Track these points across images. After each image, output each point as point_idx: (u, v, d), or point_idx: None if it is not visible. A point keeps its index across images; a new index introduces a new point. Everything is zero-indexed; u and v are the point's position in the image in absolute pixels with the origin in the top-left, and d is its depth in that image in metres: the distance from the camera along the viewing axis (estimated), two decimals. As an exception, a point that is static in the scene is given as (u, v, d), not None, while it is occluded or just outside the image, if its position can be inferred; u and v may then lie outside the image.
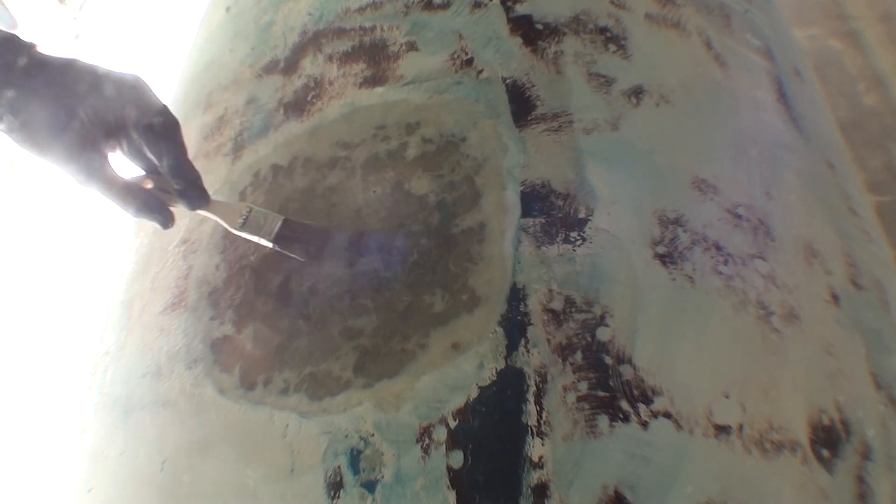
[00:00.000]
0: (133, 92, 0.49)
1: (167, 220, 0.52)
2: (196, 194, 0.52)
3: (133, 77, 0.50)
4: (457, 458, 0.41)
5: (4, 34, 0.47)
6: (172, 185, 0.51)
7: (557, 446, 0.40)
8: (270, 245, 0.52)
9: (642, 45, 0.61)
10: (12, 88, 0.45)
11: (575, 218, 0.49)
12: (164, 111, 0.50)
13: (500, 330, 0.45)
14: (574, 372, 0.43)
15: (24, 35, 0.48)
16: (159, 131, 0.49)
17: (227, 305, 0.54)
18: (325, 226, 0.54)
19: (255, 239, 0.52)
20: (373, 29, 0.65)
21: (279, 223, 0.52)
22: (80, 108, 0.47)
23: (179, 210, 0.53)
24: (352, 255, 0.52)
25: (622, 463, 0.40)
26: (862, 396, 0.49)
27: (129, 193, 0.50)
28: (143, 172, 0.53)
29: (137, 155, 0.52)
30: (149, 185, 0.53)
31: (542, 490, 0.39)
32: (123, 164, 0.52)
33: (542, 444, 0.41)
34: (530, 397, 0.42)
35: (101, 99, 0.48)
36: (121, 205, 0.50)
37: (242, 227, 0.52)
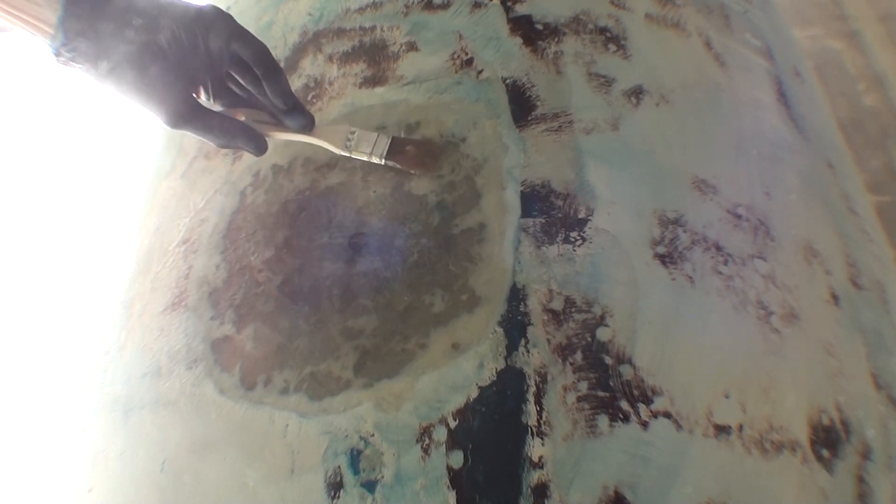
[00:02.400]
0: (223, 24, 0.49)
1: (263, 146, 0.53)
2: (304, 114, 0.53)
3: (216, 10, 0.49)
4: (457, 458, 0.41)
5: None
6: (281, 107, 0.52)
7: (557, 446, 0.40)
8: (382, 162, 0.53)
9: (642, 45, 0.61)
10: (102, 35, 0.45)
11: (575, 218, 0.49)
12: (259, 41, 0.50)
13: (500, 330, 0.45)
14: (574, 372, 0.43)
15: None
16: (263, 60, 0.50)
17: (227, 305, 0.54)
18: (429, 140, 0.55)
19: (365, 158, 0.53)
20: (373, 29, 0.65)
21: (388, 141, 0.53)
22: (167, 45, 0.46)
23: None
24: (352, 255, 0.52)
25: (622, 463, 0.40)
26: (862, 396, 0.49)
27: (225, 123, 0.50)
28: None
29: (227, 90, 0.53)
30: (241, 116, 0.53)
31: (542, 490, 0.39)
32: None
33: (542, 444, 0.41)
34: (530, 397, 0.42)
35: (189, 33, 0.47)
36: (216, 136, 0.50)
37: (350, 148, 0.53)
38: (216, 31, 0.48)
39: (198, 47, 0.48)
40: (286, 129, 0.54)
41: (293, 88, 0.65)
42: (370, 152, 0.53)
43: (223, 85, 0.53)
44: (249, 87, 0.52)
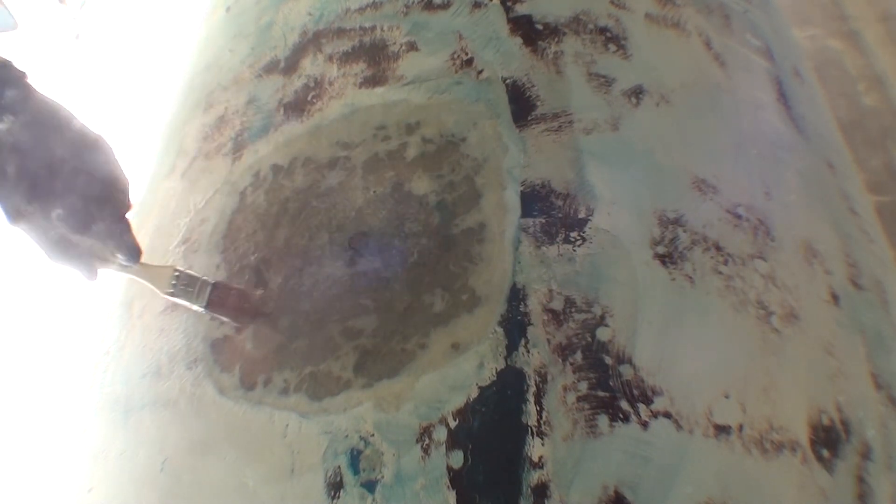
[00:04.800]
0: (92, 156, 0.47)
1: (93, 275, 0.51)
2: (131, 251, 0.50)
3: (96, 138, 0.48)
4: (457, 458, 0.41)
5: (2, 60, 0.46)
6: (110, 247, 0.50)
7: (557, 446, 0.40)
8: (203, 311, 0.51)
9: (642, 45, 0.61)
10: None
11: (575, 218, 0.49)
12: (117, 182, 0.49)
13: (500, 330, 0.45)
14: (574, 372, 0.43)
15: (18, 65, 0.47)
16: (105, 200, 0.48)
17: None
18: (251, 292, 0.53)
19: (185, 304, 0.52)
20: (373, 29, 0.65)
21: (209, 288, 0.51)
22: (31, 157, 0.45)
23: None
24: (352, 255, 0.52)
25: (622, 463, 0.40)
26: (862, 396, 0.49)
27: (61, 245, 0.48)
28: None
29: (72, 215, 0.48)
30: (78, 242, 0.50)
31: (542, 490, 0.39)
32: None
33: (542, 444, 0.41)
34: (530, 397, 0.42)
35: (55, 155, 0.46)
36: (52, 249, 0.48)
37: (173, 293, 0.51)
38: (82, 161, 0.47)
39: (58, 170, 0.46)
40: (117, 265, 0.52)
41: (293, 88, 0.65)
42: (193, 299, 0.51)
43: (77, 211, 0.48)
44: (90, 205, 0.48)
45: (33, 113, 0.46)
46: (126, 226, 0.50)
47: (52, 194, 0.46)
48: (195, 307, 0.51)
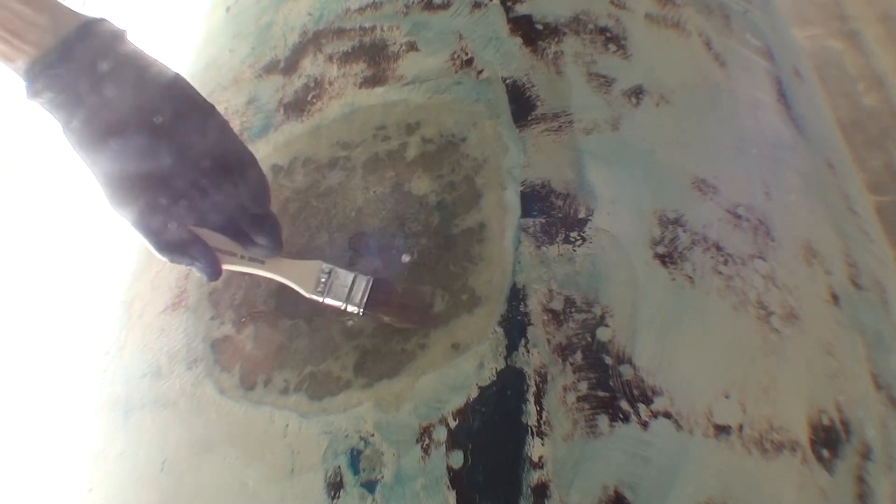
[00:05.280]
0: (220, 132, 0.43)
1: (216, 270, 0.45)
2: (276, 237, 0.46)
3: (221, 120, 0.43)
4: (457, 458, 0.41)
5: (95, 18, 0.41)
6: (254, 234, 0.45)
7: (557, 446, 0.40)
8: (359, 312, 0.45)
9: (642, 45, 0.61)
10: (85, 80, 0.39)
11: (575, 218, 0.49)
12: (254, 160, 0.44)
13: (500, 330, 0.45)
14: (574, 372, 0.43)
15: (117, 21, 0.42)
16: (253, 184, 0.44)
17: (227, 305, 0.54)
18: (418, 286, 0.46)
19: (336, 304, 0.45)
20: (373, 29, 0.65)
21: (367, 287, 0.45)
22: (143, 125, 0.41)
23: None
24: (352, 255, 0.52)
25: (622, 463, 0.40)
26: (862, 396, 0.49)
27: (182, 232, 0.43)
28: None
29: (196, 201, 0.44)
30: (200, 233, 0.46)
31: (542, 490, 0.39)
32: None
33: (542, 444, 0.41)
34: (530, 397, 0.42)
35: (183, 126, 0.41)
36: (164, 243, 0.43)
37: (324, 294, 0.45)
38: (206, 132, 0.42)
39: (180, 141, 0.42)
40: (245, 260, 0.47)
41: (293, 88, 0.65)
42: (346, 299, 0.45)
43: (191, 195, 0.45)
44: (220, 193, 0.44)
45: (131, 76, 0.41)
46: (265, 206, 0.45)
47: (172, 170, 0.41)
48: (351, 308, 0.45)
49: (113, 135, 0.40)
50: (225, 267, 0.46)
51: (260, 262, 0.47)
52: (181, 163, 0.42)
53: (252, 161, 0.46)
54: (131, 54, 0.42)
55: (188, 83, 0.44)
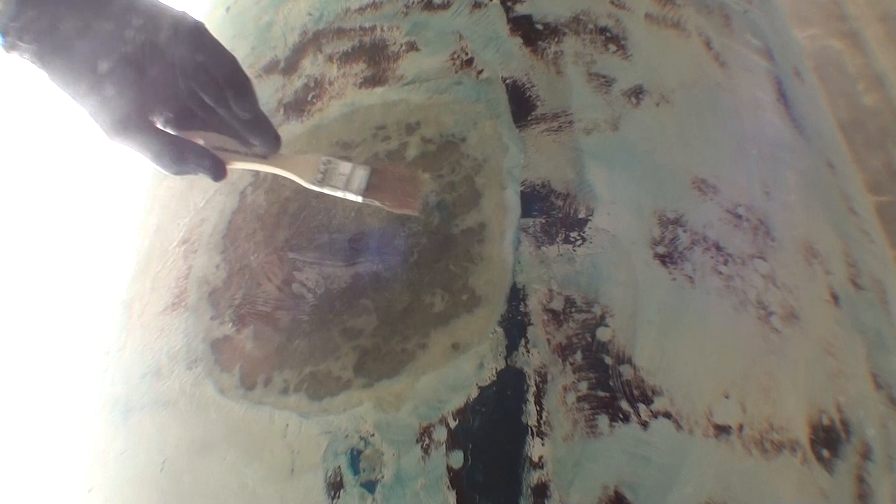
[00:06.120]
0: (192, 32, 0.43)
1: (220, 171, 0.46)
2: (270, 131, 0.46)
3: (195, 22, 0.44)
4: (457, 458, 0.41)
5: None
6: (245, 120, 0.45)
7: (557, 446, 0.40)
8: (359, 199, 0.46)
9: (642, 45, 0.61)
10: (60, 14, 0.39)
11: (575, 218, 0.49)
12: (227, 52, 0.45)
13: (500, 330, 0.45)
14: (574, 372, 0.43)
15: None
16: (231, 71, 0.44)
17: (227, 305, 0.54)
18: (414, 173, 0.48)
19: (336, 193, 0.47)
20: (373, 29, 0.65)
21: (366, 175, 0.46)
22: (129, 44, 0.41)
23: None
24: (352, 255, 0.52)
25: (622, 463, 0.40)
26: (862, 396, 0.49)
27: (177, 141, 0.44)
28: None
29: (186, 110, 0.46)
30: (199, 140, 0.47)
31: (542, 490, 0.39)
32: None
33: (542, 444, 0.41)
34: (530, 397, 0.42)
35: (156, 37, 0.41)
36: (165, 154, 0.44)
37: (322, 183, 0.46)
38: (184, 39, 0.43)
39: (162, 54, 0.42)
40: (249, 156, 0.48)
41: (293, 88, 0.65)
42: (344, 186, 0.46)
43: (182, 104, 0.46)
44: (213, 103, 0.46)
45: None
46: (255, 105, 0.45)
47: (157, 84, 0.42)
48: (350, 196, 0.46)
49: (96, 64, 0.40)
50: (229, 166, 0.47)
51: (262, 157, 0.48)
52: (166, 78, 0.43)
53: (235, 69, 0.46)
54: None
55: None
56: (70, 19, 0.40)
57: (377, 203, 0.47)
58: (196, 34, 0.44)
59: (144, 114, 0.43)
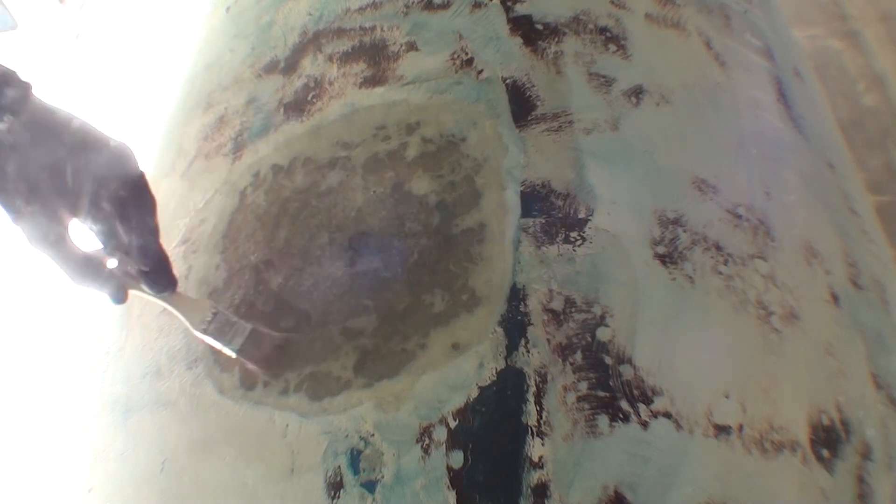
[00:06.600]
0: (116, 159, 0.46)
1: (120, 293, 0.48)
2: (162, 279, 0.48)
3: (119, 144, 0.46)
4: (457, 458, 0.41)
5: (4, 69, 0.44)
6: (138, 265, 0.47)
7: (557, 446, 0.40)
8: (233, 354, 0.49)
9: (642, 45, 0.61)
10: None
11: (575, 218, 0.49)
12: (145, 183, 0.47)
13: (500, 330, 0.45)
14: (574, 372, 0.43)
15: (23, 74, 0.45)
16: (133, 203, 0.46)
17: (227, 305, 0.54)
18: (288, 336, 0.50)
19: (216, 344, 0.49)
20: (373, 29, 0.65)
21: (245, 334, 0.49)
22: (51, 164, 0.44)
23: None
24: (352, 255, 0.52)
25: (622, 463, 0.40)
26: (862, 396, 0.49)
27: (84, 264, 0.46)
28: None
29: (102, 229, 0.47)
30: (109, 263, 0.48)
31: (542, 490, 0.39)
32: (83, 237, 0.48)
33: (542, 444, 0.41)
34: (530, 397, 0.42)
35: (79, 158, 0.44)
36: (71, 267, 0.46)
37: (206, 331, 0.49)
38: (106, 164, 0.45)
39: (81, 175, 0.44)
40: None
41: (293, 88, 0.65)
42: (226, 342, 0.48)
43: (107, 223, 0.47)
44: (121, 231, 0.46)
45: (31, 113, 0.44)
46: (155, 246, 0.47)
47: (54, 195, 0.45)
48: (226, 349, 0.49)
49: (16, 185, 0.43)
50: (132, 291, 0.49)
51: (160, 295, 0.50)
52: (77, 204, 0.45)
53: (140, 203, 0.47)
54: (33, 96, 0.45)
55: (85, 126, 0.46)
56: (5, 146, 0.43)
57: (247, 363, 0.49)
58: (117, 157, 0.46)
59: (63, 233, 0.46)
